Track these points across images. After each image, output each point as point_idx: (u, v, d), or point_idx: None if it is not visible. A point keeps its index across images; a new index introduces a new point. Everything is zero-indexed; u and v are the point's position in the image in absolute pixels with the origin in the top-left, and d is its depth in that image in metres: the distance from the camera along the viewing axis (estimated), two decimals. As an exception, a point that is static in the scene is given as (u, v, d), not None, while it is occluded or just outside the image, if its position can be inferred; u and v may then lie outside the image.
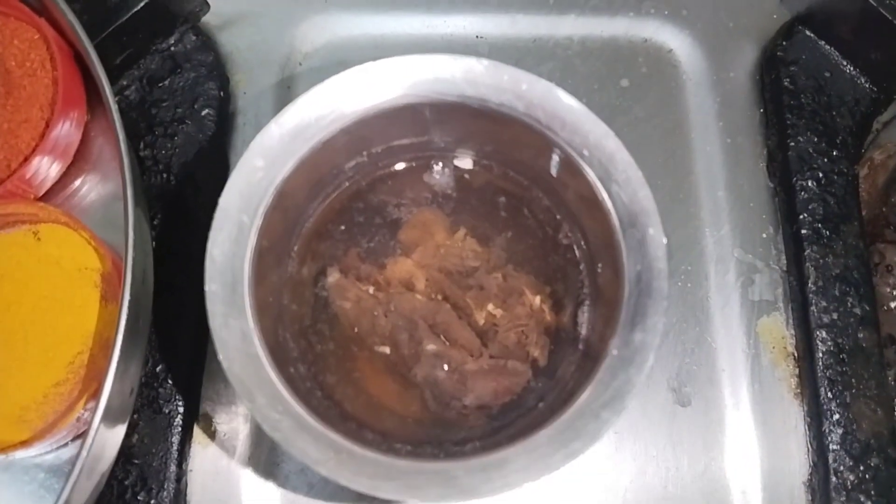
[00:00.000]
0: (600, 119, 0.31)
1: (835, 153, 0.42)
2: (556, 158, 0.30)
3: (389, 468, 0.26)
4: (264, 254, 0.29)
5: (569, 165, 0.30)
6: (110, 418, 0.31)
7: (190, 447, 0.38)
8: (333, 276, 0.33)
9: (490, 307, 0.33)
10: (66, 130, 0.37)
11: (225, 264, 0.27)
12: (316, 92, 0.29)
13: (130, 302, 0.31)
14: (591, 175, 0.29)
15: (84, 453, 0.29)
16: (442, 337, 0.32)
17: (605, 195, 0.29)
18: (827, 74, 0.44)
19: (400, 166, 0.34)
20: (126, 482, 0.36)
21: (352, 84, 0.30)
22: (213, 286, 0.27)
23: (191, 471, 0.38)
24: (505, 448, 0.26)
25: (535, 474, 0.25)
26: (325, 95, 0.30)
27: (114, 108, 0.32)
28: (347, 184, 0.34)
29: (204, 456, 0.38)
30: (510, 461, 0.26)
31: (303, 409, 0.26)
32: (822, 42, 0.44)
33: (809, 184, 0.42)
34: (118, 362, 0.30)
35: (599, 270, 0.31)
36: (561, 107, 0.29)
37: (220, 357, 0.26)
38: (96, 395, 0.32)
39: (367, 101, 0.30)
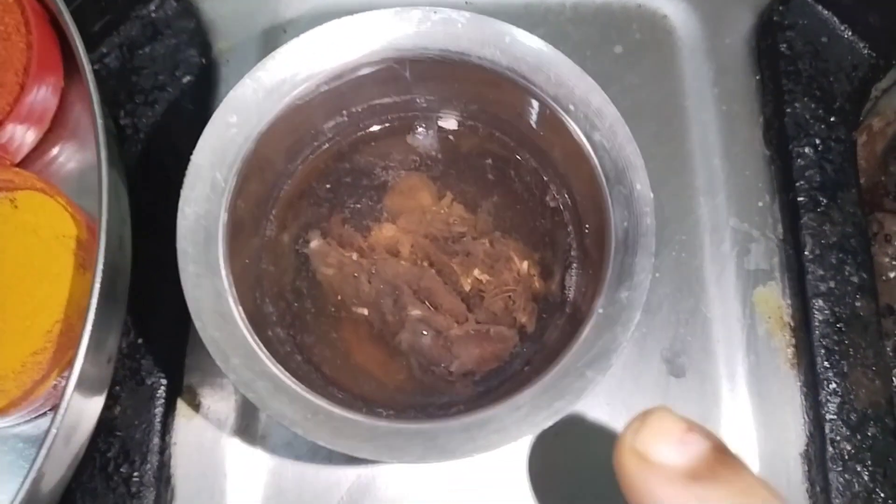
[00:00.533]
0: None
1: (832, 120, 0.42)
2: (541, 114, 0.30)
3: (369, 429, 0.25)
4: (240, 214, 0.29)
5: (554, 122, 0.29)
6: (85, 387, 0.31)
7: (174, 420, 0.38)
8: (315, 242, 0.33)
9: (476, 273, 0.33)
10: (42, 96, 0.37)
11: (197, 223, 0.27)
12: (292, 46, 0.29)
13: (105, 268, 0.31)
14: (577, 131, 0.29)
15: (57, 421, 0.29)
16: (427, 303, 0.32)
17: (591, 151, 0.28)
18: (824, 40, 0.44)
19: (382, 127, 0.34)
20: (108, 454, 0.36)
21: (329, 39, 0.29)
22: (185, 244, 0.26)
23: (174, 444, 0.37)
24: (487, 409, 0.26)
25: (518, 434, 0.24)
26: (301, 50, 0.29)
27: (87, 68, 0.32)
28: (327, 145, 0.33)
29: (188, 429, 0.38)
30: (493, 421, 0.25)
31: (280, 370, 0.26)
32: (820, 6, 0.44)
33: (806, 151, 0.41)
34: (92, 330, 0.30)
35: (587, 231, 0.31)
36: (545, 60, 0.29)
37: (193, 316, 0.26)
38: (72, 363, 0.32)
39: (344, 57, 0.29)
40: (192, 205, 0.27)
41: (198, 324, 0.26)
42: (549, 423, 0.25)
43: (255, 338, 0.26)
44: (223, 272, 0.27)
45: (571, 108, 0.29)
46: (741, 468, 0.22)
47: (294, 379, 0.26)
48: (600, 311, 0.26)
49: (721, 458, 0.22)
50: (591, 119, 0.28)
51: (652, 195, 0.28)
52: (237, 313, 0.26)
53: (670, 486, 0.21)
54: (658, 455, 0.22)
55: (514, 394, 0.26)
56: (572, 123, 0.29)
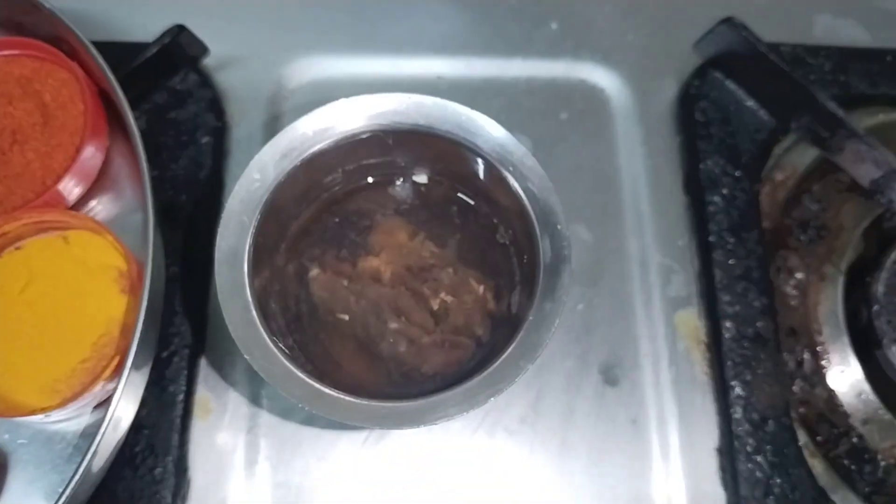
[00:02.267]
0: (539, 146, 0.41)
1: (738, 174, 0.50)
2: (488, 172, 0.40)
3: (357, 405, 0.35)
4: (259, 248, 0.38)
5: (499, 178, 0.39)
6: (128, 389, 0.39)
7: (190, 422, 0.44)
8: (314, 271, 0.43)
9: (443, 295, 0.43)
10: (92, 154, 0.45)
11: (229, 253, 0.37)
12: (302, 121, 0.39)
13: (151, 293, 0.40)
14: (516, 185, 0.39)
15: (109, 414, 0.37)
16: (403, 318, 0.42)
17: (525, 200, 0.39)
18: (732, 108, 0.52)
19: (369, 181, 0.44)
20: (136, 448, 0.43)
21: (329, 115, 0.40)
22: (221, 268, 0.37)
23: (191, 442, 0.44)
24: (450, 390, 0.36)
25: (471, 406, 0.34)
26: (309, 123, 0.40)
27: (137, 135, 0.42)
28: (326, 194, 0.43)
29: (202, 430, 0.44)
30: (452, 399, 0.35)
31: (291, 363, 0.36)
32: (729, 81, 0.52)
33: (716, 199, 0.49)
34: (138, 344, 0.38)
35: (525, 261, 0.41)
36: (491, 134, 0.40)
37: (228, 323, 0.36)
38: (116, 369, 0.41)
39: (341, 129, 0.40)
40: (226, 239, 0.37)
41: (231, 327, 0.36)
42: (493, 398, 0.35)
43: (272, 340, 0.37)
44: (247, 290, 0.37)
45: (510, 168, 0.39)
46: None
47: (301, 370, 0.36)
48: (531, 318, 0.37)
49: None
50: (526, 175, 0.39)
51: (568, 233, 0.38)
52: (258, 321, 0.37)
53: None
54: None
55: (468, 380, 0.36)
56: (512, 179, 0.38)
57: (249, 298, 0.36)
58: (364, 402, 0.35)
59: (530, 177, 0.39)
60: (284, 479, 0.44)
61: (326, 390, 0.35)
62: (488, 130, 0.40)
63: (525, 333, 0.36)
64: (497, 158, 0.39)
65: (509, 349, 0.36)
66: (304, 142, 0.39)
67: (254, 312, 0.36)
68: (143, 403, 0.43)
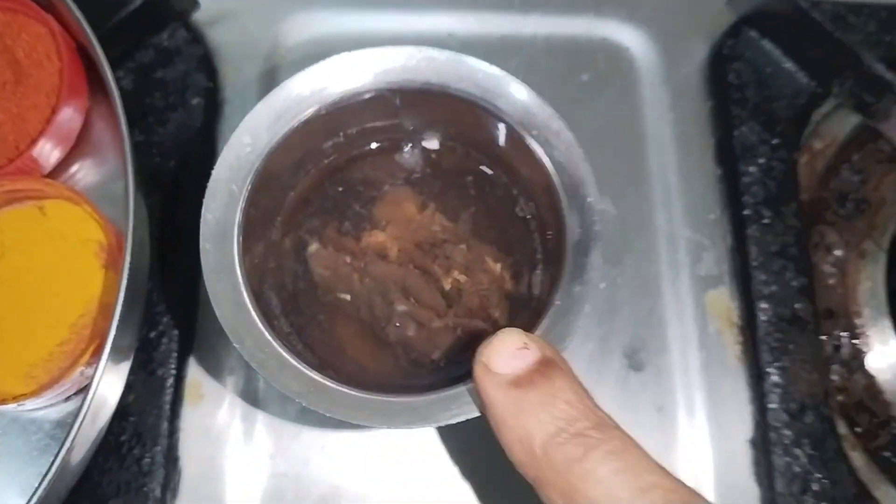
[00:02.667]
0: (559, 111, 0.35)
1: (775, 142, 0.46)
2: (509, 137, 0.36)
3: (362, 401, 0.31)
4: (251, 221, 0.34)
5: (520, 144, 0.35)
6: (109, 375, 0.35)
7: (181, 408, 0.41)
8: (313, 247, 0.38)
9: (455, 274, 0.38)
10: (70, 116, 0.41)
11: (217, 227, 0.32)
12: (298, 78, 0.35)
13: (130, 270, 0.36)
14: (539, 151, 0.34)
15: (87, 402, 0.33)
16: (412, 299, 0.37)
17: (551, 169, 0.34)
18: (769, 70, 0.48)
19: (373, 147, 0.39)
20: (122, 437, 0.40)
21: (329, 71, 0.35)
22: (207, 245, 0.32)
23: (181, 429, 0.41)
24: (459, 386, 0.31)
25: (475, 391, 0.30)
26: (305, 81, 0.35)
27: (116, 95, 0.37)
28: (326, 161, 0.38)
29: (193, 416, 0.41)
30: (463, 395, 0.31)
31: (286, 351, 0.31)
32: (765, 40, 0.48)
33: (751, 169, 0.46)
34: (118, 324, 0.34)
35: (549, 237, 0.36)
36: (512, 93, 0.35)
37: (214, 306, 0.31)
38: (96, 353, 0.37)
39: (342, 87, 0.35)
40: (212, 211, 0.32)
41: (218, 311, 0.31)
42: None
43: (266, 325, 0.32)
44: (237, 268, 0.32)
45: (534, 132, 0.34)
46: (557, 377, 0.28)
47: (298, 359, 0.31)
48: (557, 302, 0.32)
49: (543, 369, 0.28)
50: (551, 142, 0.34)
51: (601, 206, 0.33)
52: (250, 304, 0.32)
53: (497, 389, 0.28)
54: (495, 365, 0.28)
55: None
56: (535, 145, 0.34)
57: (240, 278, 0.32)
58: (369, 396, 0.31)
59: (557, 143, 0.34)
60: (283, 469, 0.41)
61: (327, 382, 0.31)
62: (510, 89, 0.35)
63: (550, 320, 0.31)
64: (519, 121, 0.34)
65: (532, 336, 0.31)
66: (301, 102, 0.35)
67: (244, 294, 0.32)
68: (130, 388, 0.41)
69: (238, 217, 0.33)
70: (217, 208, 0.32)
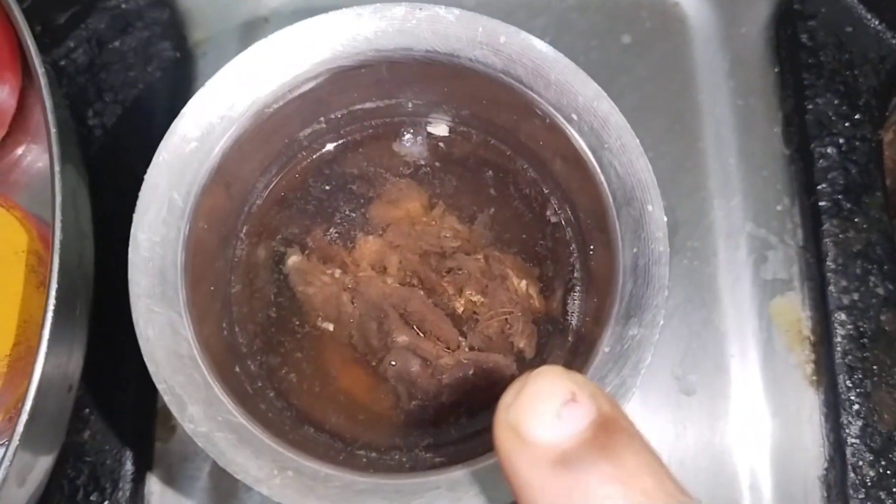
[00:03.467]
0: (595, 79, 0.27)
1: (857, 117, 0.40)
2: (541, 123, 0.27)
3: (343, 487, 0.22)
4: (203, 237, 0.25)
5: (555, 131, 0.26)
6: (42, 420, 0.28)
7: (148, 445, 0.36)
8: (293, 259, 0.30)
9: (470, 293, 0.30)
10: None
11: (152, 250, 0.24)
12: (258, 48, 0.26)
13: (60, 288, 0.28)
14: (581, 143, 0.26)
15: (6, 462, 0.26)
16: (415, 328, 0.29)
17: (596, 166, 0.25)
18: (849, 30, 0.41)
19: (365, 134, 0.32)
20: (77, 481, 0.35)
21: (301, 39, 0.26)
22: (137, 275, 0.23)
23: (148, 470, 0.36)
24: (479, 461, 0.23)
25: (510, 497, 0.21)
26: (269, 52, 0.26)
27: (37, 60, 0.29)
28: (304, 154, 0.31)
29: (163, 453, 0.36)
30: (481, 477, 0.22)
31: (245, 418, 0.23)
32: None
33: (829, 150, 0.39)
34: (47, 358, 0.27)
35: (591, 252, 0.28)
36: (545, 63, 0.26)
37: (146, 358, 0.23)
38: (23, 397, 0.29)
39: (318, 59, 0.26)
40: (145, 230, 0.24)
41: (150, 367, 0.23)
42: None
43: (218, 380, 0.23)
44: (181, 305, 0.24)
45: (574, 117, 0.25)
46: (625, 450, 0.18)
47: (261, 426, 0.23)
48: (606, 349, 0.23)
49: (603, 437, 0.18)
50: (597, 130, 0.25)
51: (666, 218, 0.24)
52: (197, 352, 0.23)
53: (534, 469, 0.18)
54: (530, 430, 0.18)
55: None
56: (575, 134, 0.26)
57: (184, 317, 0.23)
58: (353, 476, 0.22)
59: (603, 129, 0.25)
60: None
61: (298, 459, 0.22)
62: (542, 59, 0.25)
63: (598, 372, 0.23)
64: (554, 101, 0.26)
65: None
66: (268, 77, 0.26)
67: (190, 339, 0.23)
68: (86, 423, 0.35)
69: (182, 235, 0.24)
70: (152, 225, 0.24)
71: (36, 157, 0.37)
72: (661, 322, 0.23)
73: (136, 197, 0.36)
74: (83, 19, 0.39)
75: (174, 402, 0.22)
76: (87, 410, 0.35)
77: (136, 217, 0.24)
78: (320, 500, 0.22)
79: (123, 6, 0.40)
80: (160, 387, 0.22)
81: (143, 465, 0.35)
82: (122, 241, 0.34)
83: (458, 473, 0.22)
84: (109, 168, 0.37)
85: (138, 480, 0.35)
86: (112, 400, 0.35)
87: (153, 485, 0.35)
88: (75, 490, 0.34)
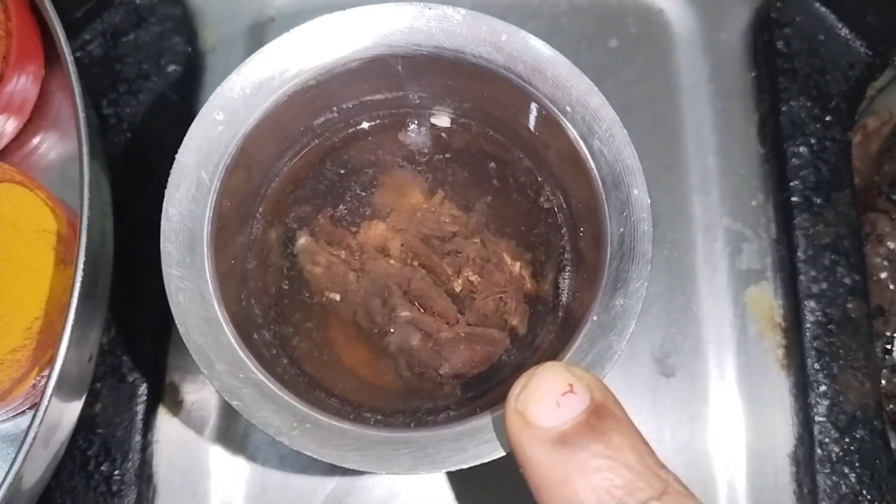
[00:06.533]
0: None
1: (828, 119, 0.41)
2: (537, 115, 0.29)
3: (357, 438, 0.24)
4: (226, 214, 0.28)
5: (550, 123, 0.28)
6: (66, 386, 0.30)
7: (156, 417, 0.37)
8: (303, 240, 0.32)
9: (468, 273, 0.32)
10: (22, 85, 0.36)
11: (182, 224, 0.26)
12: (281, 42, 0.28)
13: (86, 264, 0.30)
14: (574, 133, 0.28)
15: (37, 422, 0.28)
16: (416, 304, 0.31)
17: (587, 154, 0.28)
18: (821, 38, 0.43)
19: (373, 124, 0.33)
20: (89, 452, 0.36)
21: (319, 34, 0.28)
22: (168, 246, 0.25)
23: (156, 441, 0.37)
24: (478, 417, 0.25)
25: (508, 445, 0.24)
26: (290, 46, 0.28)
27: (68, 55, 0.30)
28: (317, 141, 0.32)
29: (170, 426, 0.37)
30: (483, 431, 0.24)
31: (266, 377, 0.25)
32: (818, 4, 0.43)
33: (801, 150, 0.41)
34: (73, 328, 0.29)
35: (581, 234, 0.30)
36: (542, 60, 0.28)
37: (177, 321, 0.25)
38: (52, 362, 0.31)
39: (335, 53, 0.28)
40: (176, 205, 0.26)
41: (181, 329, 0.25)
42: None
43: (241, 342, 0.25)
44: (208, 275, 0.26)
45: (568, 109, 0.28)
46: (613, 431, 0.22)
47: (280, 385, 0.25)
48: (594, 318, 0.26)
49: (595, 420, 0.22)
50: (588, 122, 0.27)
51: (649, 201, 0.27)
52: (222, 317, 0.25)
53: (538, 447, 0.22)
54: (534, 416, 0.22)
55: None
56: (569, 125, 0.28)
57: (210, 285, 0.25)
58: (365, 430, 0.25)
59: (595, 121, 0.27)
60: (267, 484, 0.37)
61: (314, 414, 0.24)
62: (539, 56, 0.28)
63: (587, 340, 0.25)
64: (549, 95, 0.28)
65: (564, 358, 0.25)
66: (286, 71, 0.28)
67: (215, 305, 0.25)
68: (96, 397, 0.37)
69: (209, 211, 0.26)
70: (182, 201, 0.26)
71: (54, 143, 0.38)
72: (644, 294, 0.26)
73: (148, 178, 0.38)
74: (99, 14, 0.40)
75: (203, 360, 0.24)
76: (99, 384, 0.36)
77: (167, 193, 0.26)
78: (336, 449, 0.24)
79: (138, 1, 0.41)
80: (190, 347, 0.25)
81: (152, 438, 0.36)
82: (138, 216, 0.36)
83: (461, 428, 0.25)
84: (123, 154, 0.39)
85: (146, 451, 0.36)
86: (122, 374, 0.36)
87: (160, 455, 0.36)
88: (86, 460, 0.35)
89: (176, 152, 0.33)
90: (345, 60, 0.28)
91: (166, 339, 0.38)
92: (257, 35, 0.42)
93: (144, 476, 0.36)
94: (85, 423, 0.35)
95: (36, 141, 0.38)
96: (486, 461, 0.24)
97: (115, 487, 0.35)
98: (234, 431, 0.37)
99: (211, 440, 0.37)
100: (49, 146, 0.38)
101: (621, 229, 0.26)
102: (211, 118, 0.27)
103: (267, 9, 0.43)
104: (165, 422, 0.37)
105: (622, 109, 0.41)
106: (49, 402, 0.28)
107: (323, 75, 0.28)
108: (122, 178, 0.38)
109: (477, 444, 0.24)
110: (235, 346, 0.25)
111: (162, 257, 0.25)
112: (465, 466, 0.24)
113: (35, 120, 0.38)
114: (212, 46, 0.42)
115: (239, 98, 0.27)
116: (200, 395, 0.38)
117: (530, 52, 0.28)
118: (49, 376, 0.28)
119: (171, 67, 0.40)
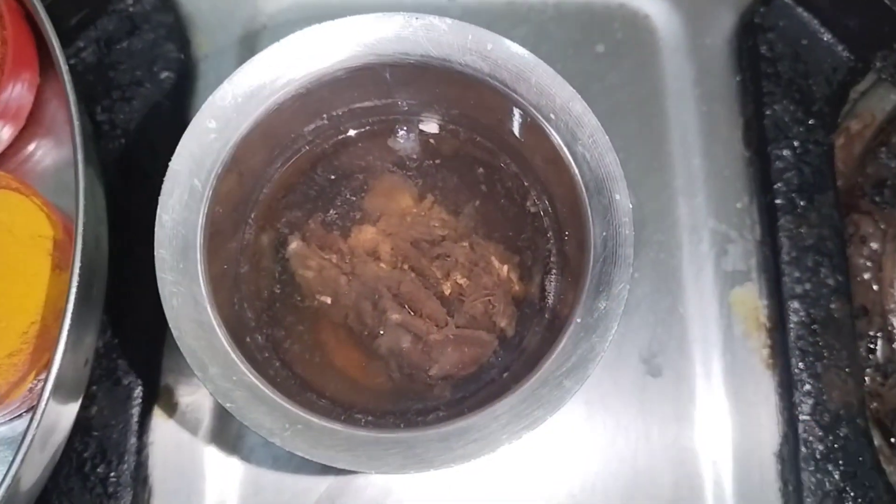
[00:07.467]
0: (571, 85, 0.30)
1: (811, 122, 0.42)
2: (522, 122, 0.30)
3: (348, 438, 0.25)
4: (219, 220, 0.28)
5: (535, 129, 0.29)
6: (63, 390, 0.31)
7: (151, 420, 0.37)
8: (294, 244, 0.33)
9: (457, 277, 0.33)
10: (18, 92, 0.36)
11: (175, 230, 0.27)
12: (272, 51, 0.29)
13: (82, 268, 0.30)
14: (558, 139, 0.29)
15: (34, 425, 0.29)
16: (406, 307, 0.32)
17: (571, 160, 0.28)
18: (804, 42, 0.43)
19: (362, 130, 0.34)
20: (85, 454, 0.36)
21: (309, 43, 0.29)
22: (162, 252, 0.26)
23: (152, 443, 0.37)
24: (466, 417, 0.26)
25: (496, 444, 0.25)
26: (281, 55, 0.29)
27: (62, 63, 0.31)
28: (308, 148, 0.33)
29: (165, 429, 0.37)
30: (471, 430, 0.25)
31: (258, 379, 0.26)
32: (800, 9, 0.44)
33: (785, 153, 0.41)
34: (69, 332, 0.30)
35: (566, 238, 0.31)
36: (527, 68, 0.29)
37: (171, 325, 0.26)
38: (49, 365, 0.32)
39: (325, 62, 0.29)
40: (169, 212, 0.27)
41: (175, 333, 0.25)
42: (527, 433, 0.25)
43: (234, 346, 0.26)
44: (201, 279, 0.26)
45: (552, 116, 0.28)
46: None
47: (272, 387, 0.26)
48: (578, 320, 0.26)
49: None
50: (572, 128, 0.28)
51: (630, 206, 0.28)
52: (215, 321, 0.26)
53: None
54: None
55: (493, 402, 0.26)
56: (553, 132, 0.29)
57: (203, 290, 0.26)
58: (355, 431, 0.25)
59: (578, 128, 0.28)
60: (261, 485, 0.37)
61: (305, 415, 0.25)
62: (524, 65, 0.28)
63: (571, 341, 0.26)
64: (534, 102, 0.29)
65: (549, 360, 0.26)
66: (277, 79, 0.29)
67: (209, 309, 0.26)
68: (92, 400, 0.37)
69: (202, 217, 0.27)
70: (176, 207, 0.27)
71: (49, 149, 0.39)
72: (626, 296, 0.26)
73: (141, 183, 0.38)
74: (92, 21, 0.41)
75: (196, 364, 0.25)
76: (94, 388, 0.36)
77: (161, 199, 0.27)
78: (327, 449, 0.25)
79: (131, 9, 0.41)
80: (184, 350, 0.25)
81: (147, 440, 0.37)
82: (132, 221, 0.37)
83: (449, 428, 0.26)
84: (117, 160, 0.39)
85: (142, 453, 0.36)
86: (117, 377, 0.37)
87: (156, 457, 0.37)
88: (83, 462, 0.36)
89: (169, 157, 0.34)
90: (334, 69, 0.29)
91: (161, 342, 0.38)
92: (249, 42, 0.43)
93: (140, 478, 0.36)
94: (81, 426, 0.36)
95: (31, 148, 0.39)
96: (473, 460, 0.25)
97: (111, 489, 0.36)
98: (228, 433, 0.37)
99: (205, 442, 0.37)
100: (44, 153, 0.39)
101: (604, 233, 0.27)
102: (203, 126, 0.28)
103: (259, 17, 0.43)
104: (160, 424, 0.37)
105: (609, 114, 0.41)
106: (46, 405, 0.29)
107: (313, 83, 0.29)
108: (116, 183, 0.38)
109: (464, 444, 0.25)
110: (228, 349, 0.26)
111: (156, 262, 0.26)
112: (453, 466, 0.25)
113: (30, 127, 0.38)
114: (204, 54, 0.43)
115: (231, 106, 0.28)
116: (195, 397, 0.38)
117: (515, 61, 0.29)
118: (46, 380, 0.29)
119: (164, 74, 0.41)
